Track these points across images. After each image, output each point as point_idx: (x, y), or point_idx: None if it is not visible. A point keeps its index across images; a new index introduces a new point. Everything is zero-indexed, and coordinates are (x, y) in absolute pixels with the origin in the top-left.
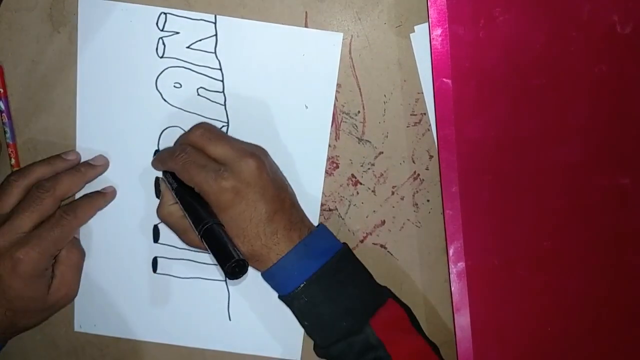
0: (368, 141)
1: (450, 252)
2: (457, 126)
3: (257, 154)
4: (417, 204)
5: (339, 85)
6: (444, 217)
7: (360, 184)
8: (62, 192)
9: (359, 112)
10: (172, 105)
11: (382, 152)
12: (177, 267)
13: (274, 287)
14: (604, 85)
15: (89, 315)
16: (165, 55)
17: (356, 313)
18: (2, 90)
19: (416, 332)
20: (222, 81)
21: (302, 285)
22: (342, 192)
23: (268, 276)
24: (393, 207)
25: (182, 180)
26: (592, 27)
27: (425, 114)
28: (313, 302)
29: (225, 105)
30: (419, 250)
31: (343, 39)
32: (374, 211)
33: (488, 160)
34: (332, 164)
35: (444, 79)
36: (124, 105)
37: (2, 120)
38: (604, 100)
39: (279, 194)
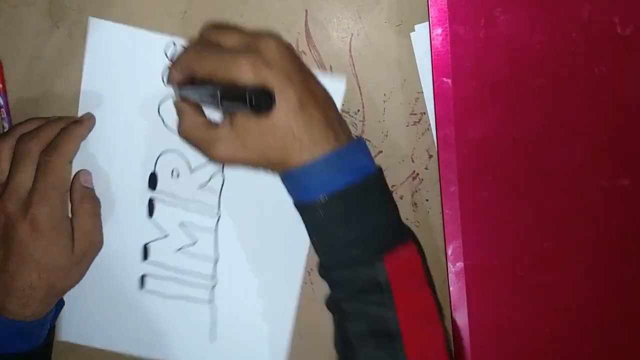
0: (368, 140)
1: (449, 252)
2: (457, 126)
3: (275, 36)
4: (416, 204)
5: None
6: (442, 217)
7: None
8: (46, 136)
9: (358, 110)
10: (173, 132)
11: (382, 151)
12: (165, 285)
13: (291, 190)
14: (604, 85)
15: (75, 326)
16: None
17: (371, 245)
18: (1, 86)
19: (427, 285)
20: (223, 172)
21: (322, 198)
22: None
23: (288, 178)
24: None
25: (198, 74)
26: (592, 28)
27: (425, 113)
28: (328, 219)
29: (219, 202)
30: None
31: (343, 38)
32: None
33: (487, 160)
34: None
35: (444, 79)
36: (125, 126)
37: (0, 115)
38: (604, 100)
39: (309, 83)
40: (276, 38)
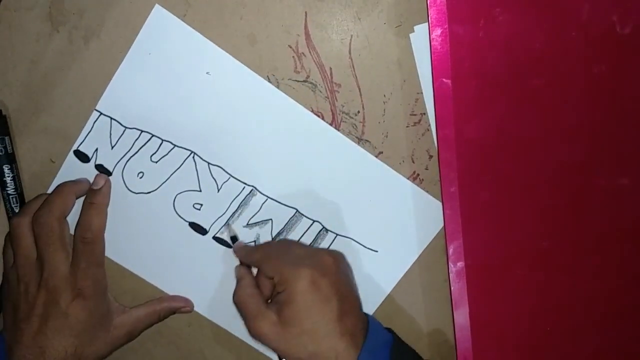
0: (368, 141)
1: (450, 251)
2: (457, 126)
3: (334, 253)
4: None
5: (338, 85)
6: (443, 217)
7: None
8: (60, 210)
9: (358, 112)
10: (155, 191)
11: (382, 152)
12: None
13: None
14: (603, 85)
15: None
16: (111, 171)
17: None
18: None
19: None
20: (154, 135)
21: None
22: None
23: None
24: None
25: (263, 271)
26: (592, 27)
27: (425, 114)
28: None
29: (175, 145)
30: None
31: (342, 39)
32: None
33: (488, 160)
34: None
35: (444, 79)
36: (139, 225)
37: None
38: (603, 100)
39: (350, 295)
40: (333, 254)
